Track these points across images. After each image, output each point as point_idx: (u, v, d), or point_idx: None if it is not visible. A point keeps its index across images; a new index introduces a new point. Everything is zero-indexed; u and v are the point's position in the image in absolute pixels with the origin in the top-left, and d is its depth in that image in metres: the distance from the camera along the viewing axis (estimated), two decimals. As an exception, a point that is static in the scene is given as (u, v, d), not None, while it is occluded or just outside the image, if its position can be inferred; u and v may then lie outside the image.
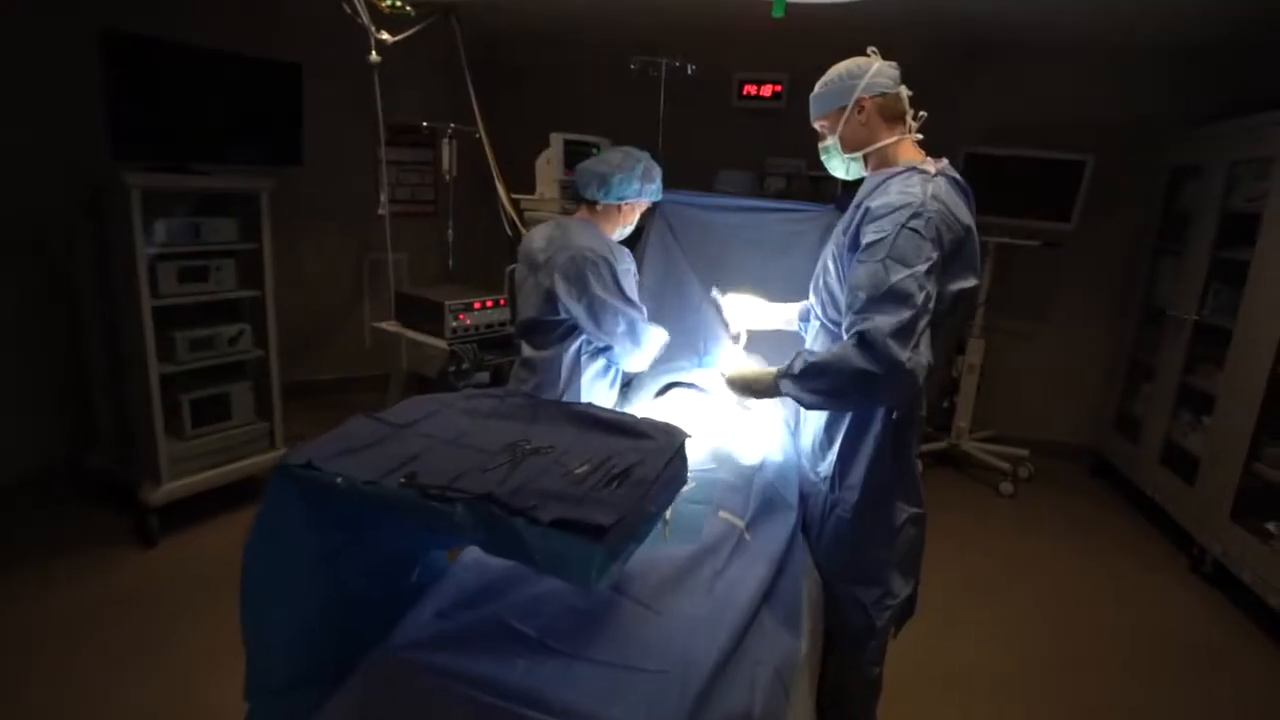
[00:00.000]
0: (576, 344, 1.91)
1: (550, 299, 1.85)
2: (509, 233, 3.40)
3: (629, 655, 1.00)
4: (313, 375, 4.32)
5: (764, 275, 2.05)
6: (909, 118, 1.47)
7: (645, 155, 1.98)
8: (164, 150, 2.60)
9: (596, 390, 1.96)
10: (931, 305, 1.27)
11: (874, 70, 1.45)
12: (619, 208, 1.99)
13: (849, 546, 1.52)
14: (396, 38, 2.91)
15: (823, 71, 1.53)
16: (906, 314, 1.24)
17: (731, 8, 3.29)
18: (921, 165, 1.40)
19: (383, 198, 3.18)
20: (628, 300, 1.85)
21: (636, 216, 2.07)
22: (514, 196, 3.38)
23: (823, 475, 1.56)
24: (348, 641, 1.06)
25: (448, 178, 3.49)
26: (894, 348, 1.23)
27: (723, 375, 1.62)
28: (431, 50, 3.14)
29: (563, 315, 1.87)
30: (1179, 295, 3.31)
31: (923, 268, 1.26)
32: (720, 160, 3.62)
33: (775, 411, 1.91)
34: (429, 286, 3.45)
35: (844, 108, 1.46)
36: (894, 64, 1.48)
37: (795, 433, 1.78)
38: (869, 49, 1.49)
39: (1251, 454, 2.69)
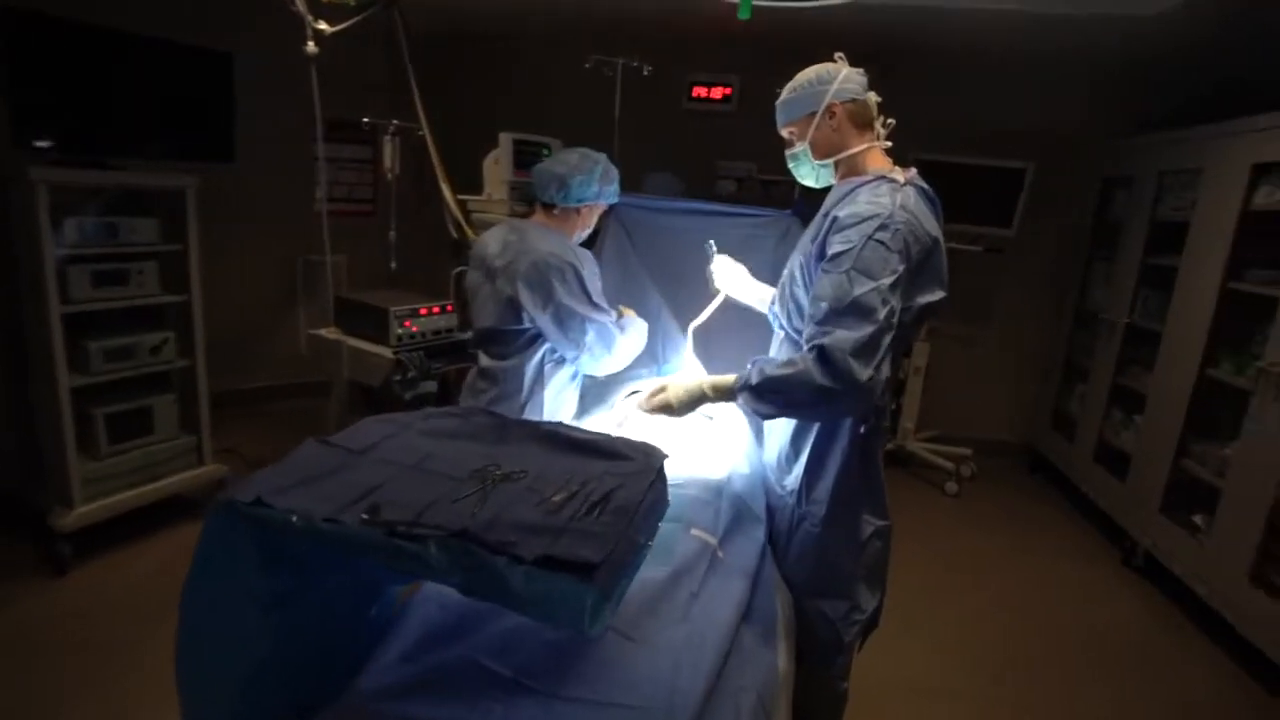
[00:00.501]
0: (540, 353, 1.83)
1: (512, 307, 1.76)
2: (454, 235, 3.28)
3: (611, 691, 0.94)
4: (245, 384, 4.08)
5: None
6: (878, 124, 1.46)
7: (603, 157, 1.92)
8: (75, 143, 2.39)
9: (562, 401, 1.89)
10: (895, 320, 1.24)
11: (843, 76, 1.42)
12: (577, 210, 1.92)
13: (816, 560, 1.49)
14: (335, 28, 2.75)
15: (773, 76, 1.49)
16: (868, 329, 1.21)
17: (687, 8, 3.25)
18: (890, 174, 1.38)
19: (319, 194, 3.01)
20: (596, 306, 1.78)
21: (594, 220, 2.01)
22: (460, 198, 3.26)
23: (789, 488, 1.53)
24: (298, 687, 0.96)
25: (389, 176, 3.34)
26: (854, 366, 1.19)
27: (670, 397, 1.47)
28: (374, 43, 2.99)
29: (525, 324, 1.78)
30: (1111, 299, 3.45)
31: (887, 281, 1.23)
32: (669, 163, 3.58)
33: (740, 421, 1.87)
34: (370, 290, 3.29)
35: (814, 113, 1.43)
36: (860, 70, 1.46)
37: (760, 443, 1.75)
38: (836, 55, 1.47)
39: (1180, 451, 2.81)
